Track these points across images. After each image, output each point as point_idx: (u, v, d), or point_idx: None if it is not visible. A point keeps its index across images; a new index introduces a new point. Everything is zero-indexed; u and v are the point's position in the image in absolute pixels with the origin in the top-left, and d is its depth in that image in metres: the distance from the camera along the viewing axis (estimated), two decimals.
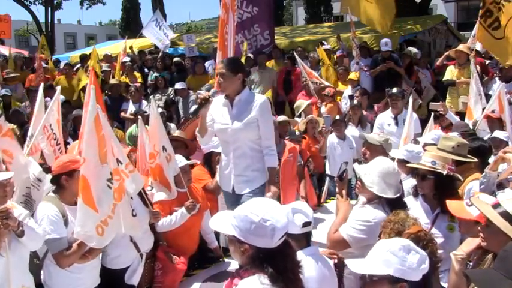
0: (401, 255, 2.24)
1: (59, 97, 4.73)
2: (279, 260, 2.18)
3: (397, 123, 6.91)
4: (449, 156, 3.72)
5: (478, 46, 8.72)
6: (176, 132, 5.66)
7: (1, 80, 9.82)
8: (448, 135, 4.50)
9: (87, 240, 3.48)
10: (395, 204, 3.20)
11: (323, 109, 8.05)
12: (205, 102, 4.04)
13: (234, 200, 4.13)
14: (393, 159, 4.34)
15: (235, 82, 4.09)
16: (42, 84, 5.04)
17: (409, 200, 3.70)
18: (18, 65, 11.29)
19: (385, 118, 7.13)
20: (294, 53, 9.36)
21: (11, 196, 3.41)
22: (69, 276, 3.56)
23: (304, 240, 2.81)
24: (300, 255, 2.63)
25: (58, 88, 4.95)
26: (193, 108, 7.99)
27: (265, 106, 4.14)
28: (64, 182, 3.61)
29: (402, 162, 4.36)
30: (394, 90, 7.19)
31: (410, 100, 6.38)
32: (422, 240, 2.63)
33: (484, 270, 2.44)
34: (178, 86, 9.59)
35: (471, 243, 2.73)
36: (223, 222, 2.31)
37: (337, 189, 3.68)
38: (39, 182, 3.83)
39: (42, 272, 3.60)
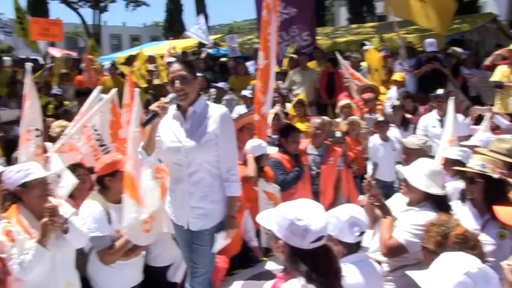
0: (481, 280, 2.04)
1: (113, 99, 4.65)
2: (311, 262, 2.17)
3: (442, 126, 6.71)
4: (503, 159, 3.57)
5: None
6: None
7: (56, 79, 10.16)
8: (502, 137, 4.33)
9: (133, 238, 3.55)
10: (442, 205, 3.13)
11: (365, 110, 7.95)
12: (161, 111, 3.18)
13: (189, 238, 3.46)
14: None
15: (195, 88, 3.34)
16: (100, 87, 5.05)
17: (456, 204, 3.60)
18: (68, 66, 11.65)
19: (429, 120, 6.97)
20: (336, 54, 9.26)
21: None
22: (112, 273, 3.64)
23: (355, 247, 2.78)
24: (347, 261, 2.62)
25: (98, 88, 4.96)
26: (236, 110, 8.11)
27: (226, 119, 3.37)
28: (107, 183, 3.70)
29: (450, 164, 4.25)
30: (440, 91, 7.01)
31: (451, 101, 6.21)
32: (470, 240, 2.55)
33: None
34: (219, 84, 9.70)
35: None
36: (268, 217, 2.34)
37: (365, 190, 3.55)
38: (58, 178, 3.94)
39: (88, 266, 3.69)
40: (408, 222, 3.21)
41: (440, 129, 6.70)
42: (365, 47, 10.38)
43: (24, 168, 3.24)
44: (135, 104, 3.64)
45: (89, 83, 10.26)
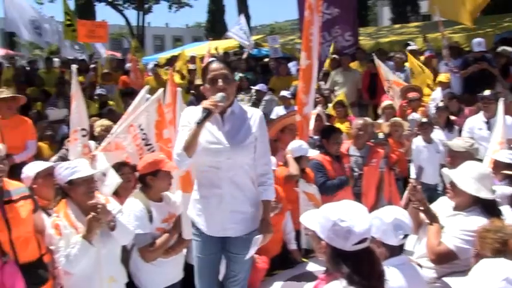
0: None
1: (159, 99, 4.64)
2: (353, 264, 2.15)
3: (489, 128, 6.49)
4: None
5: None
6: None
7: (99, 80, 10.46)
8: None
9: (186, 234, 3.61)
10: (492, 210, 3.03)
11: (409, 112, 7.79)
12: (214, 109, 3.02)
13: (219, 248, 3.31)
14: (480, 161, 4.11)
15: (234, 89, 3.25)
16: (147, 87, 5.14)
17: (505, 209, 3.48)
18: (113, 67, 11.97)
19: (475, 122, 6.76)
20: (374, 57, 9.07)
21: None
22: (153, 270, 3.71)
23: (398, 250, 2.73)
24: (390, 264, 2.58)
25: (146, 88, 5.02)
26: (275, 110, 8.10)
27: (263, 122, 3.27)
28: (149, 181, 3.76)
29: (500, 167, 4.11)
30: (487, 92, 6.79)
31: (501, 103, 6.01)
32: None
33: None
34: (257, 87, 9.72)
35: None
36: (311, 218, 2.33)
37: (410, 194, 3.44)
38: (103, 176, 4.03)
39: (130, 263, 3.77)
40: (457, 227, 3.11)
41: (487, 131, 6.50)
42: (409, 48, 10.17)
43: (72, 166, 3.36)
44: (178, 103, 3.69)
45: (135, 83, 10.52)
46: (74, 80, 4.66)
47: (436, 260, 3.14)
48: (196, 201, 3.28)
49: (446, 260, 3.11)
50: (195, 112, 3.12)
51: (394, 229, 2.64)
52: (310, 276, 4.27)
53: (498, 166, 4.16)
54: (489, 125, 6.50)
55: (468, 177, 3.17)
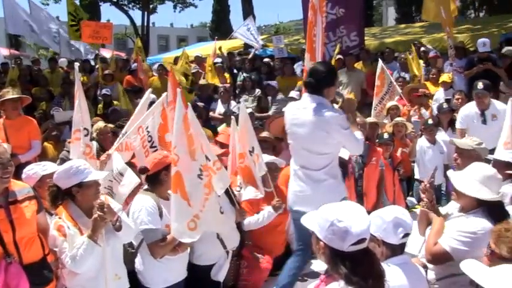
0: None
1: (163, 101, 4.74)
2: (351, 264, 2.15)
3: (484, 121, 6.27)
4: None
5: None
6: (263, 133, 5.72)
7: (101, 80, 10.49)
8: None
9: (179, 236, 3.63)
10: (498, 213, 3.00)
11: (412, 112, 7.79)
12: None
13: None
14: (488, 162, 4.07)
15: None
16: (150, 89, 5.20)
17: (509, 209, 3.46)
18: (119, 67, 12.00)
19: (470, 112, 6.43)
20: (379, 61, 9.01)
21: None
22: (160, 267, 3.72)
23: (399, 249, 2.72)
24: (391, 263, 2.57)
25: (149, 90, 5.11)
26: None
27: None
28: (164, 177, 3.75)
29: (502, 167, 4.08)
30: (479, 85, 6.41)
31: (510, 102, 5.96)
32: None
33: None
34: (266, 83, 9.67)
35: None
36: (311, 218, 2.33)
37: (423, 196, 3.45)
38: (121, 176, 4.04)
39: (136, 260, 3.78)
40: (456, 228, 3.10)
41: (481, 124, 6.28)
42: (423, 49, 10.08)
43: (82, 168, 3.34)
44: (177, 104, 3.71)
45: (141, 82, 10.58)
46: (77, 79, 4.68)
47: (431, 260, 3.13)
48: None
49: (441, 261, 3.10)
50: None
51: (394, 227, 2.63)
52: (313, 276, 4.27)
53: (500, 166, 4.12)
54: (484, 118, 6.31)
55: (471, 179, 3.14)
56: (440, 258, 3.10)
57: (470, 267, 2.26)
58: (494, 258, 2.57)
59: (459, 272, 2.87)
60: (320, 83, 3.94)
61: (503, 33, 11.42)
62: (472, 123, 6.36)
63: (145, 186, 3.88)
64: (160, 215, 3.70)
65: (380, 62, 7.99)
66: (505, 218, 2.97)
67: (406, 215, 2.72)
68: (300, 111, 4.00)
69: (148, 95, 4.93)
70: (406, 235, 2.67)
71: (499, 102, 6.31)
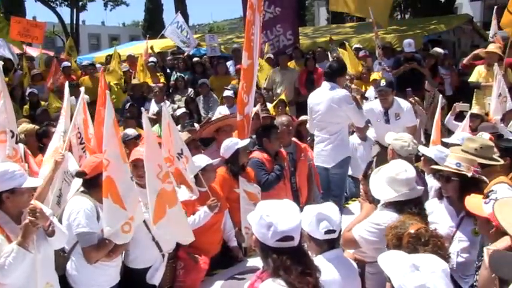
0: None
1: (83, 97, 4.79)
2: (278, 258, 2.21)
3: (387, 121, 6.26)
4: (472, 158, 3.63)
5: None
6: (184, 134, 5.55)
7: (29, 80, 10.00)
8: (473, 136, 4.41)
9: (113, 237, 3.55)
10: (405, 208, 3.11)
11: None
12: None
13: None
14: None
15: None
16: (67, 83, 5.08)
17: (433, 202, 3.64)
18: (49, 66, 11.45)
19: (373, 109, 6.41)
20: (309, 57, 9.19)
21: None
22: (94, 272, 3.63)
23: (326, 245, 2.76)
24: (321, 259, 2.63)
25: (82, 89, 5.01)
26: (218, 110, 8.03)
27: None
28: (102, 181, 3.63)
29: (428, 162, 4.31)
30: (382, 83, 6.45)
31: (440, 102, 6.30)
32: (423, 237, 2.60)
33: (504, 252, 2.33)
34: (201, 81, 9.58)
35: (505, 240, 2.62)
36: (252, 213, 2.39)
37: (361, 189, 3.63)
38: (71, 177, 3.90)
39: (68, 265, 3.65)
40: (369, 219, 3.26)
41: (384, 124, 6.24)
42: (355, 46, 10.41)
43: (18, 174, 3.15)
44: (107, 105, 3.63)
45: (57, 83, 10.10)
46: (0, 78, 4.44)
47: (343, 244, 3.30)
48: None
49: (350, 247, 3.32)
50: None
51: (317, 223, 2.68)
52: (250, 274, 4.29)
53: (425, 161, 4.41)
54: (387, 117, 6.27)
55: (380, 181, 3.30)
56: (348, 244, 3.30)
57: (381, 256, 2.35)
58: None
59: (368, 260, 3.15)
60: (334, 73, 5.81)
61: (425, 34, 12.02)
62: (375, 122, 6.43)
63: (82, 188, 3.75)
64: (98, 218, 3.60)
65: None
66: (420, 210, 3.11)
67: (333, 211, 2.76)
68: (319, 93, 5.87)
69: (82, 94, 4.81)
70: (331, 231, 2.71)
71: (403, 100, 6.44)
